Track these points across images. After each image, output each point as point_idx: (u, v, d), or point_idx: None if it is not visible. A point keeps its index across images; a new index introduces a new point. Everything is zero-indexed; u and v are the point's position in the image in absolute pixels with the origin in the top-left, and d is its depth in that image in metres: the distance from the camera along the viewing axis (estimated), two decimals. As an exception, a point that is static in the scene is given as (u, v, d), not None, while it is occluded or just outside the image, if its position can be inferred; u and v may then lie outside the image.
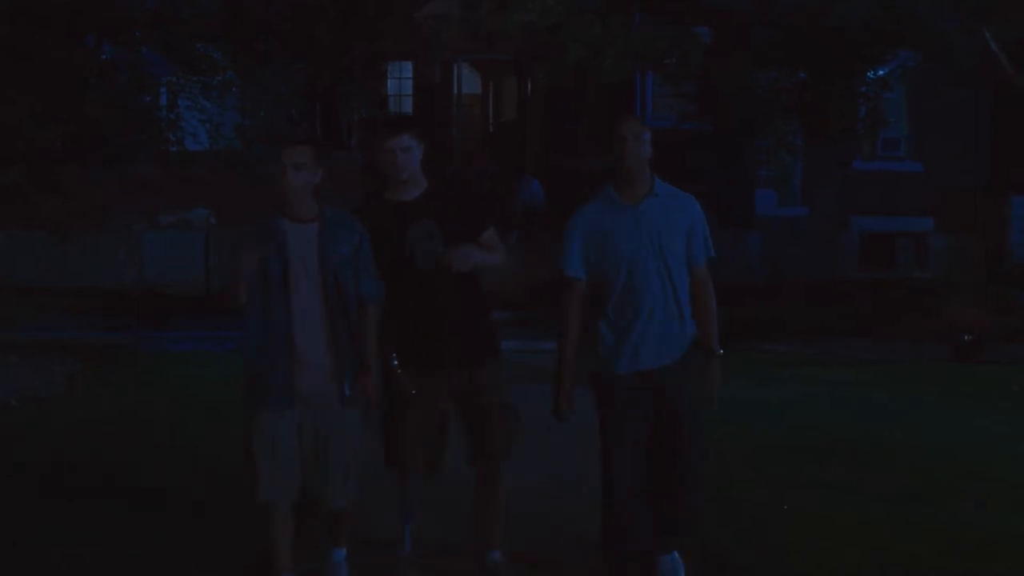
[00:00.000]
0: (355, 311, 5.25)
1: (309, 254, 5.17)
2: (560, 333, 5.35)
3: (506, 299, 12.38)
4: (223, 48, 15.59)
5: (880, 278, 19.05)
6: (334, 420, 5.24)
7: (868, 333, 15.24)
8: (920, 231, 21.32)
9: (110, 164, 14.87)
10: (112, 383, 11.09)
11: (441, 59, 20.81)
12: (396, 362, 5.42)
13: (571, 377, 5.34)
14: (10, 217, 15.72)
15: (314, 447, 5.23)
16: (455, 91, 22.23)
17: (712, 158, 18.54)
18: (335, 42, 17.08)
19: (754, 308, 15.87)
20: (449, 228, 5.41)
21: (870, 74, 17.78)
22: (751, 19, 16.63)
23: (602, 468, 5.35)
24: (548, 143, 20.70)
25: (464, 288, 5.48)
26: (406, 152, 5.43)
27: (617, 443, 5.29)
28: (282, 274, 5.12)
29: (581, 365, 5.35)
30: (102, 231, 18.23)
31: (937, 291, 16.85)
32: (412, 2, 19.01)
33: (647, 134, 5.30)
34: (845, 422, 9.59)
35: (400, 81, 22.30)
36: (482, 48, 19.81)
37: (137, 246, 18.74)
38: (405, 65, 21.96)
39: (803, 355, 13.66)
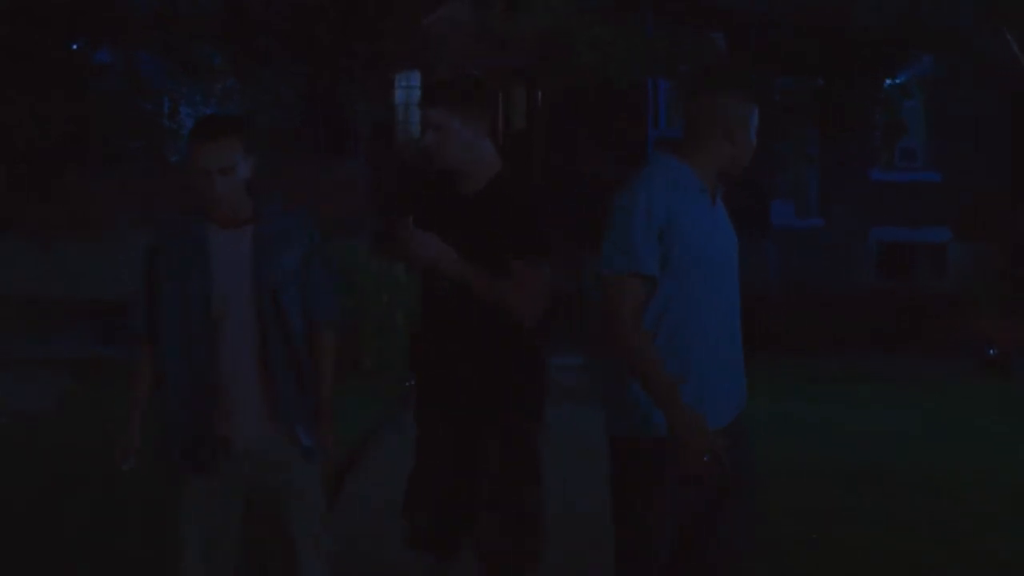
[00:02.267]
0: (302, 339, 3.95)
1: (240, 269, 3.87)
2: (638, 355, 3.59)
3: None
4: (223, 48, 15.35)
5: (899, 289, 18.71)
6: (287, 480, 3.97)
7: (889, 346, 14.93)
8: (938, 241, 20.95)
9: (109, 172, 14.64)
10: (105, 399, 10.78)
11: (450, 65, 20.51)
12: (412, 383, 4.13)
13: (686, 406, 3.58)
14: (4, 224, 15.46)
15: (267, 518, 4.00)
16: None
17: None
18: (335, 41, 16.78)
19: (770, 321, 15.54)
20: (473, 246, 3.90)
21: (888, 81, 17.47)
22: (766, 23, 16.30)
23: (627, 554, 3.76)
24: (558, 152, 20.40)
25: (499, 319, 3.93)
26: (437, 132, 3.95)
27: (656, 536, 3.71)
28: (203, 297, 3.85)
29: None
30: (101, 240, 17.93)
31: (958, 302, 16.51)
32: (415, 4, 18.71)
33: None
34: (866, 441, 9.24)
35: (408, 91, 21.99)
36: (492, 55, 19.51)
37: (136, 256, 18.43)
38: (413, 75, 21.68)
39: (822, 369, 13.35)
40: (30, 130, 12.62)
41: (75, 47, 14.19)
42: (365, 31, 17.03)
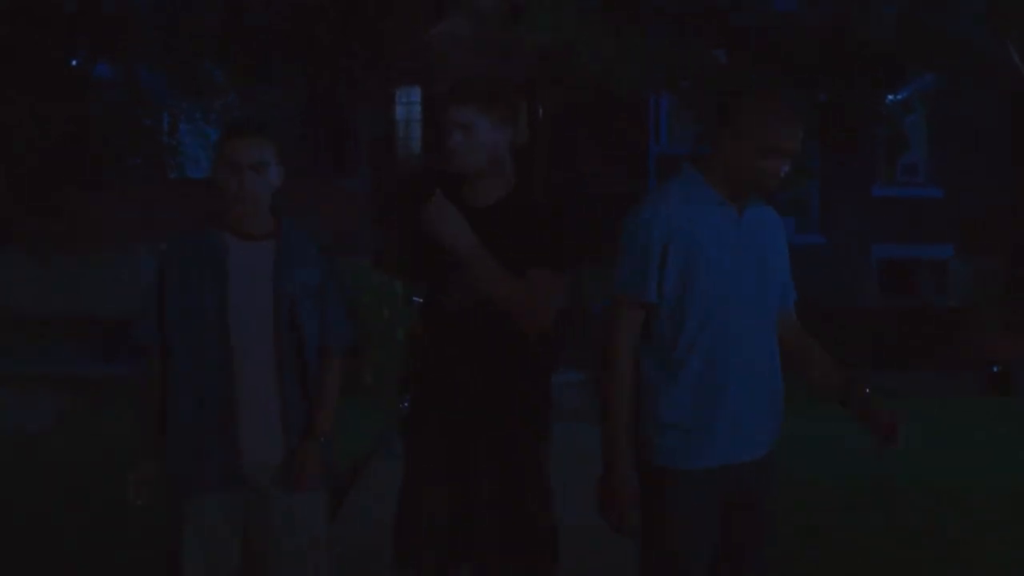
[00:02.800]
0: (316, 354, 3.83)
1: (259, 282, 3.74)
2: (608, 385, 3.46)
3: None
4: (222, 56, 15.28)
5: (902, 306, 18.65)
6: (283, 509, 3.78)
7: (893, 364, 14.82)
8: (941, 258, 20.90)
9: (109, 187, 14.58)
10: (104, 418, 10.72)
11: (452, 80, 20.50)
12: (406, 404, 3.88)
13: (628, 455, 3.44)
14: (3, 238, 15.41)
15: (263, 547, 3.78)
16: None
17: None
18: (335, 41, 16.71)
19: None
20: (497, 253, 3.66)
21: (890, 96, 17.44)
22: (768, 36, 16.27)
23: None
24: (559, 167, 20.37)
25: (511, 336, 3.70)
26: (465, 132, 3.69)
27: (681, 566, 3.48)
28: (220, 309, 3.71)
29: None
30: (100, 256, 17.87)
31: (961, 318, 16.43)
32: (415, 7, 18.67)
33: None
34: (868, 457, 9.12)
35: (408, 107, 21.95)
36: (494, 69, 19.50)
37: (137, 272, 18.40)
38: (414, 90, 21.64)
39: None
40: (30, 131, 12.57)
41: (74, 62, 14.15)
42: (365, 31, 16.92)
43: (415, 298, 3.94)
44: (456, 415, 3.76)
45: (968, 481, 8.35)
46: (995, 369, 13.41)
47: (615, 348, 3.45)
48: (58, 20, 13.25)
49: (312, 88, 17.44)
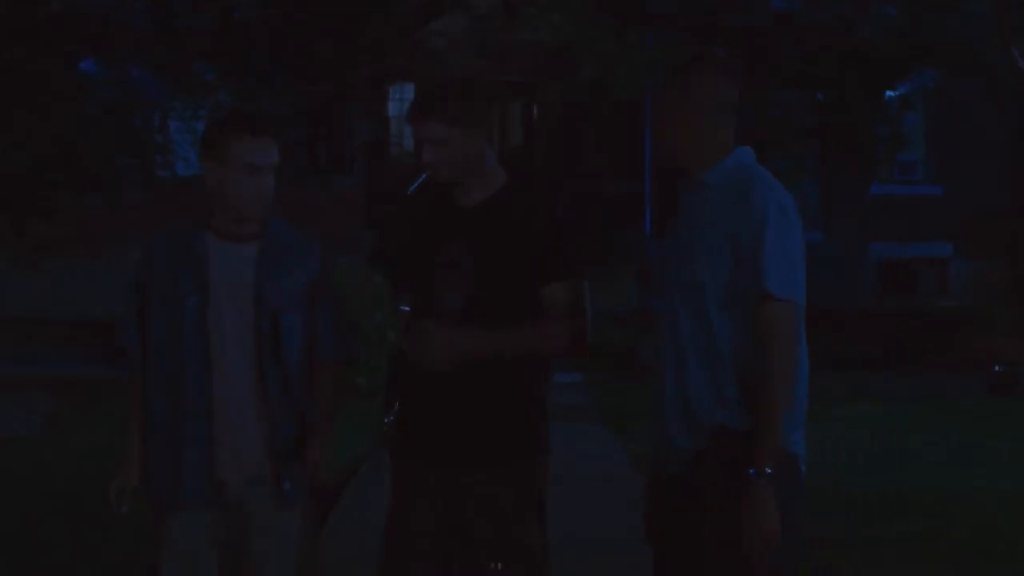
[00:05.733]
0: (302, 372, 3.56)
1: (241, 287, 3.50)
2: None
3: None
4: (216, 64, 15.16)
5: (901, 306, 18.54)
6: (265, 528, 3.53)
7: (892, 364, 14.70)
8: (940, 257, 20.78)
9: (100, 188, 14.48)
10: (94, 421, 10.62)
11: (439, 74, 20.42)
12: (391, 418, 3.62)
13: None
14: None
15: (247, 566, 3.53)
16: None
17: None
18: (337, 57, 16.57)
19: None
20: (486, 260, 3.50)
21: (889, 93, 17.35)
22: (769, 37, 16.17)
23: None
24: (557, 167, 20.29)
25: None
26: (438, 147, 3.50)
27: None
28: (199, 314, 3.49)
29: None
30: (89, 259, 17.72)
31: (961, 318, 16.32)
32: (415, 19, 18.58)
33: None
34: (885, 467, 9.00)
35: (402, 103, 21.89)
36: (490, 69, 19.42)
37: (125, 274, 18.29)
38: (407, 87, 21.57)
39: (821, 387, 13.09)
40: (22, 133, 12.46)
41: (65, 62, 14.02)
42: (363, 35, 16.73)
43: (402, 307, 3.69)
44: (444, 429, 3.55)
45: (974, 485, 8.23)
46: (997, 369, 13.28)
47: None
48: (46, 18, 13.13)
49: (312, 100, 17.29)
